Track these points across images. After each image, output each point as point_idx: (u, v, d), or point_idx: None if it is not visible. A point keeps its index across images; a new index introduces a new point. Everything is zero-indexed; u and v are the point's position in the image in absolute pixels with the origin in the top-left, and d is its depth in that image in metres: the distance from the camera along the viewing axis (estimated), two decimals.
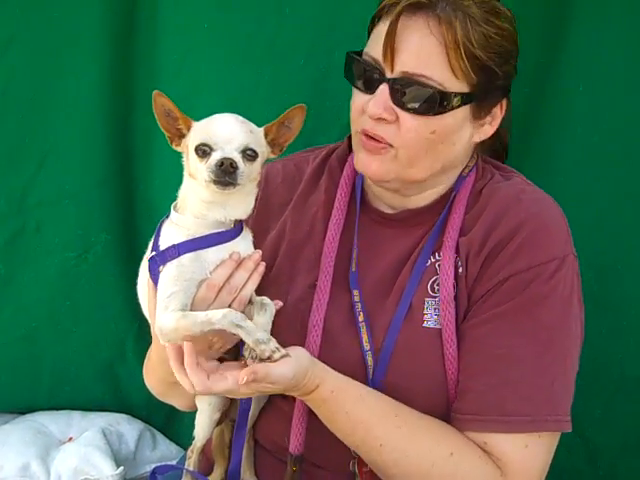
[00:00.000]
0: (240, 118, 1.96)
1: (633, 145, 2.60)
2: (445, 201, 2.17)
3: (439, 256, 2.11)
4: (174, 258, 1.93)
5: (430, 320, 2.08)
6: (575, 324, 2.07)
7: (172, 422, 3.30)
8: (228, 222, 1.99)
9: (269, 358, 1.84)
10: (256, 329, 1.87)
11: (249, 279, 1.98)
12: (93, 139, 2.93)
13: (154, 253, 1.98)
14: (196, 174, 1.93)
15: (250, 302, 2.01)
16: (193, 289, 1.93)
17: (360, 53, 2.11)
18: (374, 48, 2.04)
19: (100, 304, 3.10)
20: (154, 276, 1.97)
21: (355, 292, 2.15)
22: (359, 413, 2.01)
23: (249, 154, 1.91)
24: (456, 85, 1.99)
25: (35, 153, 2.94)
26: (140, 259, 2.97)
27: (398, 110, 2.01)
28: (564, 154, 2.39)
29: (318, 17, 2.75)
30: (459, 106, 2.02)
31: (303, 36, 2.76)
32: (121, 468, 2.92)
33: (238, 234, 2.01)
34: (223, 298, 1.95)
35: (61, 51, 2.85)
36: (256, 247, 2.08)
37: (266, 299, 2.00)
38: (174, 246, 1.94)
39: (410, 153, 2.05)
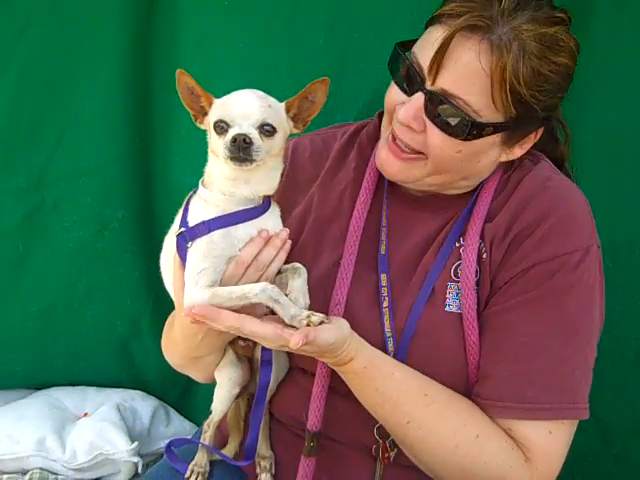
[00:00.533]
0: (259, 93, 1.96)
1: None
2: (474, 190, 2.17)
3: (464, 241, 2.11)
4: (204, 234, 1.94)
5: (452, 304, 2.09)
6: (597, 313, 2.08)
7: (186, 399, 3.34)
8: (257, 198, 2.00)
9: (308, 325, 1.87)
10: (291, 304, 1.90)
11: (276, 256, 2.00)
12: (111, 117, 2.94)
13: (183, 229, 1.98)
14: (217, 151, 1.93)
15: (279, 272, 2.03)
16: (223, 265, 1.95)
17: (408, 45, 2.07)
18: (422, 53, 1.99)
19: (116, 281, 3.12)
20: (182, 252, 1.98)
21: (383, 276, 2.15)
22: (389, 390, 2.02)
23: (267, 129, 1.91)
24: (492, 115, 1.96)
25: (53, 130, 2.95)
26: (157, 236, 2.97)
27: (428, 123, 2.00)
28: (584, 139, 2.39)
29: None
30: (490, 134, 1.99)
31: (322, 16, 2.75)
32: (135, 443, 2.95)
33: (266, 210, 2.02)
34: (250, 275, 1.97)
35: (80, 30, 2.85)
36: (283, 221, 2.09)
37: (297, 264, 2.02)
38: (204, 223, 1.95)
39: (434, 165, 2.05)
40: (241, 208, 1.98)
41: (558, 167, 2.25)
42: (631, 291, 2.65)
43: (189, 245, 1.96)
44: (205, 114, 1.98)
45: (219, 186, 1.99)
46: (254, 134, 1.88)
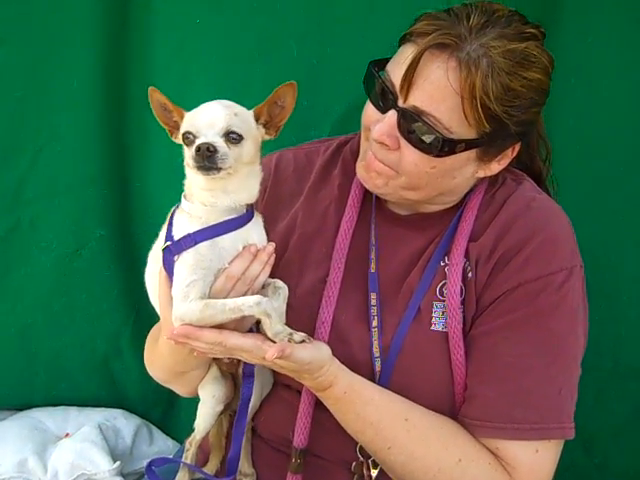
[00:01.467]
0: (226, 103, 1.97)
1: (625, 136, 2.62)
2: (457, 207, 2.18)
3: (448, 260, 2.12)
4: (190, 247, 1.94)
5: (438, 323, 2.10)
6: (581, 332, 2.10)
7: (169, 417, 3.32)
8: (239, 207, 2.00)
9: (289, 341, 1.90)
10: (279, 321, 1.92)
11: (262, 270, 2.01)
12: (87, 135, 2.93)
13: (169, 243, 1.98)
14: (188, 162, 1.94)
15: (262, 286, 2.03)
16: (211, 277, 1.95)
17: (382, 64, 2.07)
18: (394, 71, 2.01)
19: (95, 300, 3.11)
20: (168, 266, 1.98)
21: (372, 295, 2.16)
22: (369, 415, 2.03)
23: (233, 137, 1.91)
24: (465, 131, 1.96)
25: (29, 149, 2.94)
26: (135, 254, 2.99)
27: (402, 140, 2.01)
28: (556, 146, 2.40)
29: (309, 12, 2.75)
30: (463, 150, 2.00)
31: (294, 31, 2.76)
32: (118, 463, 2.93)
33: (250, 219, 2.02)
34: (238, 288, 1.97)
35: (54, 47, 2.85)
36: (266, 232, 2.09)
37: (279, 282, 2.03)
38: (189, 235, 1.95)
39: (410, 181, 2.06)
40: (225, 218, 1.98)
41: (537, 182, 2.26)
42: (608, 298, 2.66)
43: (176, 259, 1.96)
44: (179, 128, 1.98)
45: (199, 197, 1.99)
46: (218, 142, 1.88)
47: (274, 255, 2.05)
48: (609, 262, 2.68)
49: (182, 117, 1.97)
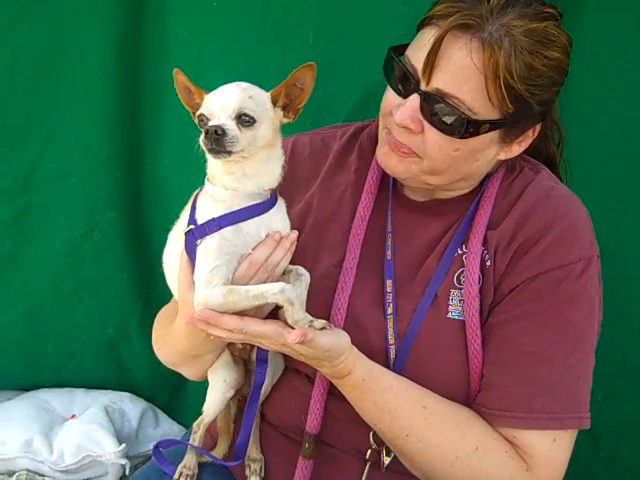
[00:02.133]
0: (243, 85, 1.95)
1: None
2: (474, 194, 2.18)
3: (466, 248, 2.12)
4: (214, 232, 1.93)
5: (455, 311, 2.10)
6: (597, 323, 2.11)
7: (175, 401, 3.33)
8: (262, 192, 1.99)
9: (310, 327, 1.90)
10: (301, 308, 1.92)
11: (283, 257, 2.01)
12: (99, 117, 2.92)
13: (192, 226, 1.97)
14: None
15: (283, 273, 2.03)
16: (235, 263, 1.94)
17: (401, 50, 2.08)
18: (415, 55, 2.01)
19: (105, 282, 3.11)
20: (190, 250, 1.97)
21: (389, 282, 2.15)
22: (387, 403, 2.03)
23: (245, 120, 1.89)
24: (488, 112, 1.97)
25: (41, 131, 2.94)
26: (146, 238, 2.98)
27: (425, 123, 2.01)
28: (573, 136, 2.39)
29: None
30: (487, 132, 2.00)
31: (311, 15, 2.74)
32: (123, 445, 2.95)
33: (274, 204, 2.01)
34: (260, 275, 1.97)
35: (68, 29, 2.84)
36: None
37: (301, 269, 2.02)
38: (214, 220, 1.94)
39: (432, 164, 2.05)
40: (248, 204, 1.97)
41: (550, 167, 2.27)
42: (619, 293, 2.64)
43: (198, 243, 1.95)
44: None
45: (221, 181, 1.98)
46: (228, 125, 1.86)
47: (296, 243, 2.05)
48: (621, 256, 2.66)
49: (202, 99, 1.96)
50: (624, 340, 2.72)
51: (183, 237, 1.99)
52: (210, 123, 1.87)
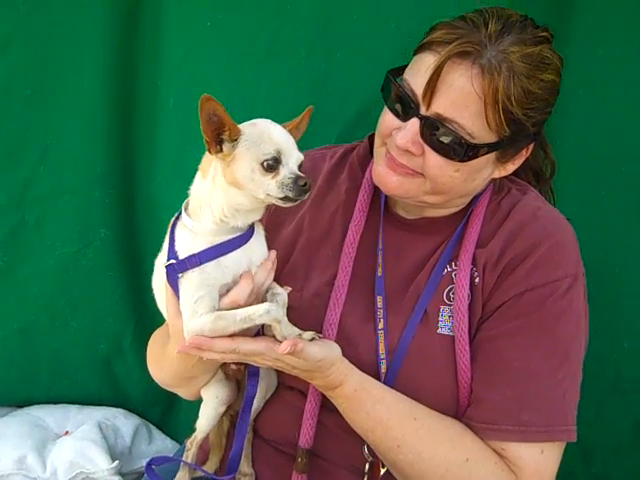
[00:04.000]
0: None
1: (631, 146, 2.62)
2: (463, 213, 2.23)
3: (456, 266, 2.16)
4: (195, 267, 1.94)
5: (444, 327, 2.14)
6: (583, 338, 2.15)
7: (168, 417, 3.32)
8: (246, 227, 2.00)
9: None
10: (289, 324, 1.94)
11: (267, 277, 2.03)
12: (94, 134, 2.92)
13: (173, 261, 1.97)
14: (252, 186, 1.89)
15: None
16: (216, 293, 1.95)
17: (399, 72, 2.11)
18: (415, 79, 2.04)
19: (98, 299, 3.10)
20: (173, 282, 1.98)
21: (379, 298, 2.19)
22: (379, 414, 2.06)
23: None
24: (486, 135, 2.02)
25: (36, 148, 2.93)
26: (140, 255, 2.98)
27: (426, 147, 2.05)
28: (563, 156, 2.41)
29: (319, 15, 2.75)
30: (485, 154, 2.05)
31: (304, 34, 2.76)
32: (116, 462, 2.93)
33: (252, 234, 2.02)
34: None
35: (63, 46, 2.84)
36: (271, 240, 2.10)
37: (277, 288, 2.03)
38: (194, 256, 1.94)
39: (434, 185, 2.10)
40: (229, 237, 1.97)
41: (538, 181, 2.35)
42: (610, 310, 2.66)
43: (180, 276, 1.96)
44: (219, 142, 1.90)
45: (216, 215, 1.95)
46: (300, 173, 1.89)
47: (276, 261, 2.06)
48: (612, 273, 2.68)
49: (236, 133, 1.88)
50: (616, 357, 2.74)
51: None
52: (287, 171, 1.87)
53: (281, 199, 1.88)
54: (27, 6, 2.80)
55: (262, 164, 1.87)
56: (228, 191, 1.93)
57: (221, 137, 1.89)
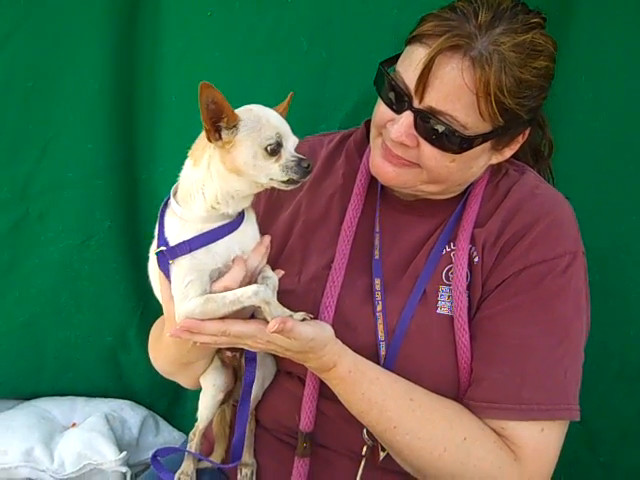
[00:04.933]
0: None
1: (634, 134, 2.61)
2: (461, 195, 2.23)
3: (454, 246, 2.16)
4: (185, 254, 1.94)
5: (444, 307, 2.14)
6: (584, 318, 2.13)
7: (175, 408, 3.33)
8: (236, 214, 2.00)
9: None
10: (279, 305, 1.94)
11: (260, 261, 2.04)
12: (96, 127, 2.93)
13: (163, 248, 1.97)
14: (254, 171, 1.90)
15: None
16: (207, 277, 1.96)
17: (392, 62, 2.12)
18: (407, 72, 2.04)
19: (102, 291, 3.11)
20: (164, 268, 1.99)
21: (377, 280, 2.19)
22: (374, 395, 2.05)
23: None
24: (480, 126, 2.02)
25: (38, 141, 2.94)
26: (143, 246, 2.95)
27: (420, 139, 2.05)
28: (566, 143, 2.41)
29: (320, 6, 2.74)
30: (479, 144, 2.05)
31: (304, 25, 2.75)
32: (124, 453, 2.94)
33: (242, 220, 2.02)
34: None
35: (64, 40, 2.84)
36: (268, 224, 2.12)
37: (268, 272, 2.03)
38: (184, 243, 1.95)
39: (431, 175, 2.10)
40: (219, 224, 1.97)
41: (535, 159, 2.36)
42: (616, 297, 2.66)
43: (171, 262, 1.96)
44: (217, 130, 1.89)
45: (208, 202, 1.95)
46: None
47: (270, 246, 2.07)
48: (617, 261, 2.68)
49: (234, 120, 1.88)
50: (622, 344, 2.74)
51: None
52: (290, 153, 1.89)
53: (284, 182, 1.90)
54: (28, 0, 2.80)
55: (265, 148, 1.88)
56: (227, 178, 1.93)
57: (218, 124, 1.89)
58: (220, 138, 1.90)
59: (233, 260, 1.98)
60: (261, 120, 1.90)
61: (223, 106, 1.86)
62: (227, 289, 1.94)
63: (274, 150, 1.88)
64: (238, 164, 1.90)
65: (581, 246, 2.15)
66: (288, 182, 1.91)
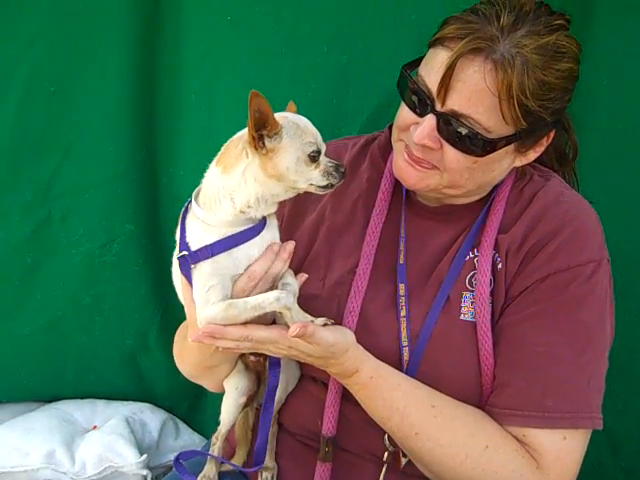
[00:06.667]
0: None
1: None
2: (485, 200, 2.22)
3: (478, 252, 2.15)
4: (207, 258, 1.95)
5: (467, 314, 2.13)
6: (608, 326, 2.12)
7: (195, 411, 3.33)
8: (260, 218, 2.00)
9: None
10: (300, 311, 1.95)
11: (282, 267, 2.03)
12: (117, 130, 2.94)
13: (185, 252, 1.97)
14: (295, 177, 1.92)
15: None
16: (229, 282, 1.96)
17: (414, 66, 2.11)
18: (429, 76, 2.03)
19: (124, 294, 3.13)
20: (186, 272, 1.99)
21: (401, 285, 2.19)
22: (396, 401, 2.05)
23: None
24: (503, 129, 2.01)
25: (60, 144, 2.96)
26: (164, 249, 3.00)
27: (443, 141, 2.04)
28: (589, 146, 2.39)
29: (340, 9, 2.74)
30: (503, 147, 2.04)
31: (324, 26, 2.76)
32: (144, 456, 2.95)
33: (264, 226, 2.02)
34: (261, 286, 1.99)
35: (86, 44, 2.87)
36: (293, 229, 2.13)
37: (288, 278, 2.02)
38: (206, 247, 1.95)
39: (452, 177, 2.09)
40: (241, 229, 1.97)
41: (559, 162, 2.33)
42: (639, 300, 2.63)
43: (193, 267, 1.97)
44: (261, 139, 1.89)
45: (239, 208, 1.95)
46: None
47: (292, 252, 2.06)
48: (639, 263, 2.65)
49: (275, 128, 1.89)
50: None
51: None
52: (326, 159, 1.94)
53: (322, 187, 1.95)
54: (50, 4, 2.83)
55: (309, 155, 1.92)
56: (266, 183, 1.94)
57: (261, 132, 1.89)
58: (264, 146, 1.91)
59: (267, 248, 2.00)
60: (300, 127, 1.93)
61: (268, 115, 1.87)
62: (250, 278, 1.95)
63: (314, 157, 1.92)
64: (281, 170, 1.92)
65: (606, 253, 2.13)
66: (326, 187, 1.95)
